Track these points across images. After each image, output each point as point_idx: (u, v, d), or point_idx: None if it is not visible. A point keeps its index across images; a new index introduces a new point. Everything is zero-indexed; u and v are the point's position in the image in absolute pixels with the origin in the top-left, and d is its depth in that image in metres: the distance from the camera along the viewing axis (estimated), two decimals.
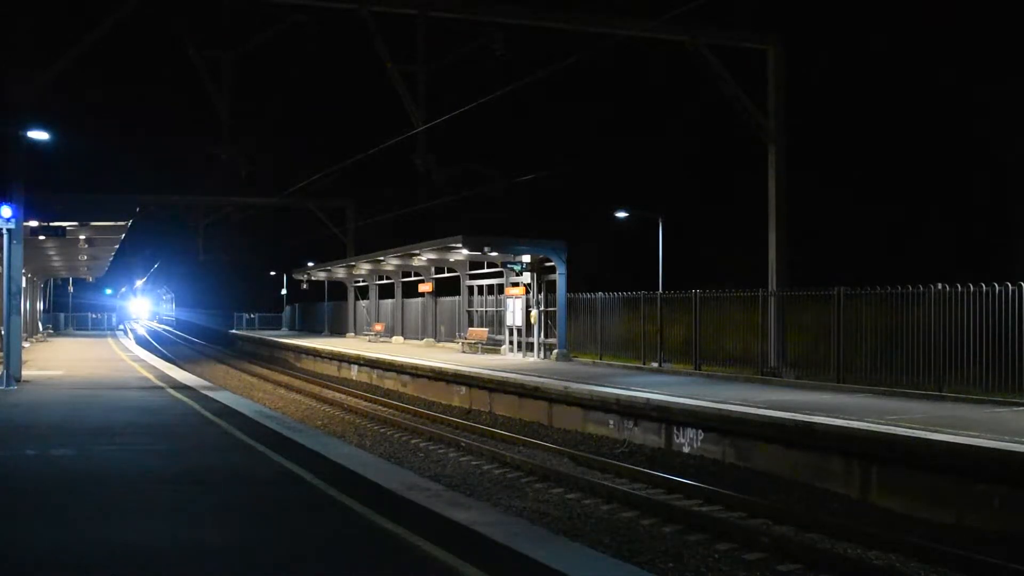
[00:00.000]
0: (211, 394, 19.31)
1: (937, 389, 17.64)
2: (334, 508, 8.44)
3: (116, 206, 26.50)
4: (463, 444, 19.02)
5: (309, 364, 42.52)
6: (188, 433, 13.32)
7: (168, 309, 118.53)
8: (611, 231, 42.82)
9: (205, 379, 27.04)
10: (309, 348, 43.65)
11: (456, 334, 37.58)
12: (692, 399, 17.65)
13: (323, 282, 57.92)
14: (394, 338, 44.75)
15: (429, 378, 27.90)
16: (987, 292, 16.98)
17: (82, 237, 30.45)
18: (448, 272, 39.02)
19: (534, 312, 30.84)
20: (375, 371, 33.23)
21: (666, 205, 34.00)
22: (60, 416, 15.01)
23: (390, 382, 31.33)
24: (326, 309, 59.83)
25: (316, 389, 32.32)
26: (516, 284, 31.69)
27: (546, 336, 30.76)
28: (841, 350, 20.07)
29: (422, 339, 41.49)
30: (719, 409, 16.28)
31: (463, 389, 25.57)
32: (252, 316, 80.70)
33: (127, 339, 56.21)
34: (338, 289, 57.16)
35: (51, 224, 24.42)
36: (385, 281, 47.15)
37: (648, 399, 18.07)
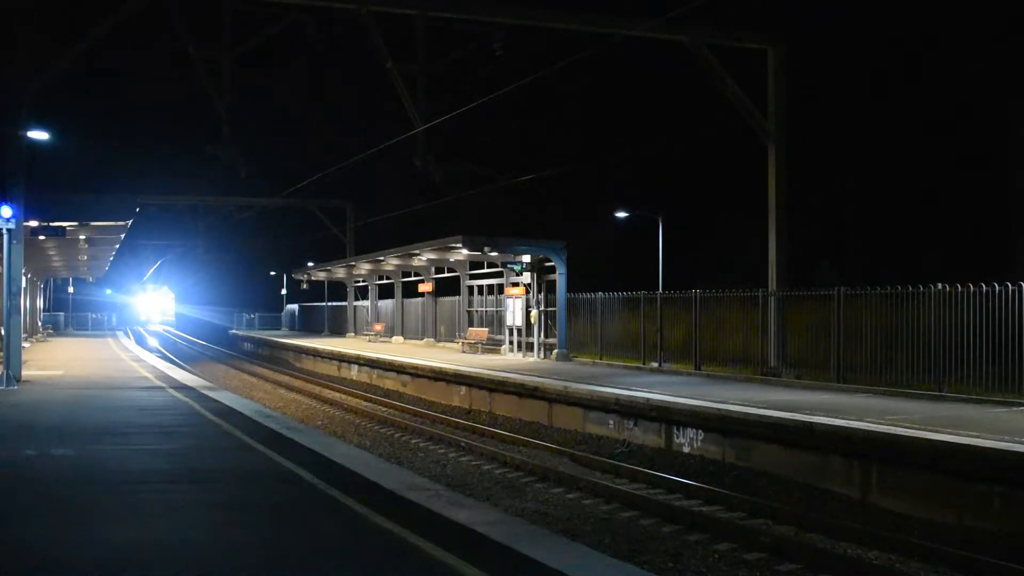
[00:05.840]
0: (211, 394, 19.31)
1: (937, 389, 17.64)
2: (334, 508, 8.44)
3: (116, 206, 26.48)
4: (463, 444, 19.03)
5: (309, 364, 42.53)
6: (188, 433, 13.33)
7: (168, 309, 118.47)
8: (611, 231, 42.81)
9: (205, 379, 27.06)
10: (309, 348, 43.66)
11: (456, 334, 37.59)
12: (692, 399, 17.65)
13: (323, 282, 57.94)
14: (394, 338, 44.75)
15: (429, 378, 27.90)
16: (987, 292, 16.98)
17: (82, 237, 30.44)
18: (448, 272, 39.02)
19: (534, 312, 30.83)
20: (375, 371, 33.23)
21: (666, 205, 34.00)
22: (60, 416, 15.01)
23: (390, 382, 31.33)
24: (326, 309, 59.84)
25: (316, 389, 32.34)
26: (516, 284, 31.69)
27: (546, 336, 30.76)
28: (841, 350, 20.06)
29: (422, 339, 41.49)
30: (719, 409, 16.27)
31: (463, 389, 25.57)
32: (252, 316, 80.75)
33: (127, 339, 56.21)
34: (338, 289, 57.17)
35: (51, 224, 24.40)
36: (385, 281, 47.16)
37: (648, 399, 18.07)
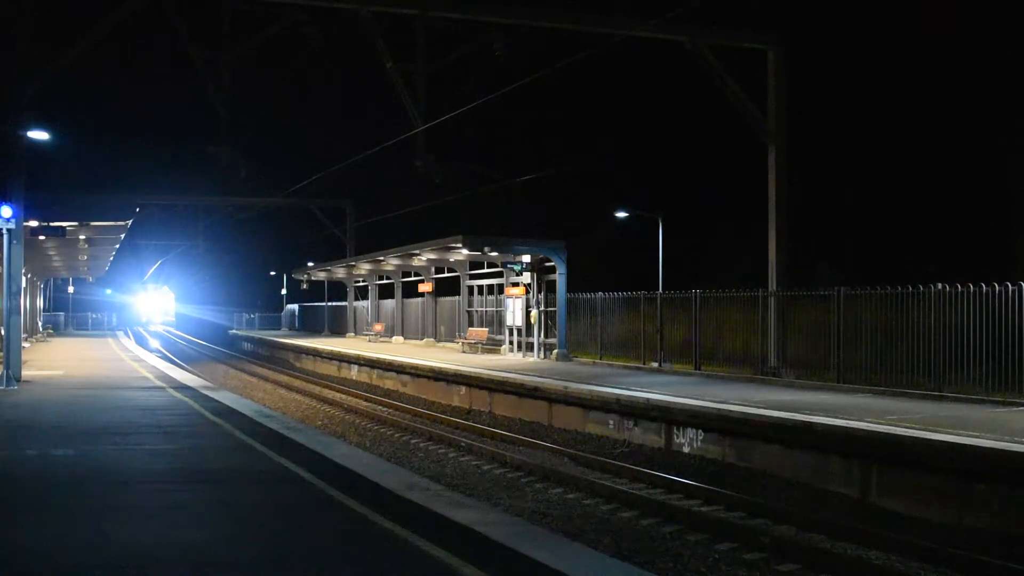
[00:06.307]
0: (211, 394, 19.31)
1: (937, 389, 17.64)
2: (334, 508, 8.44)
3: (116, 206, 26.50)
4: (463, 444, 19.02)
5: (309, 364, 42.52)
6: (188, 433, 13.32)
7: (169, 309, 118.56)
8: (611, 231, 42.84)
9: (205, 379, 27.06)
10: (309, 348, 43.66)
11: (456, 334, 37.58)
12: (692, 399, 17.65)
13: (323, 282, 57.96)
14: (394, 338, 44.75)
15: (429, 378, 27.90)
16: (987, 292, 16.98)
17: (82, 237, 30.44)
18: (448, 272, 39.02)
19: (534, 312, 30.83)
20: (375, 371, 33.23)
21: (666, 205, 34.02)
22: (60, 416, 15.00)
23: (390, 382, 31.33)
24: (326, 309, 59.84)
25: (316, 389, 32.33)
26: (516, 284, 31.69)
27: (546, 336, 30.76)
28: (841, 350, 20.06)
29: (422, 339, 41.49)
30: (719, 409, 16.28)
31: (463, 389, 25.57)
32: (252, 316, 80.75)
33: (127, 339, 56.22)
34: (338, 289, 57.17)
35: (51, 224, 24.39)
36: (385, 281, 47.16)
37: (648, 399, 18.07)
